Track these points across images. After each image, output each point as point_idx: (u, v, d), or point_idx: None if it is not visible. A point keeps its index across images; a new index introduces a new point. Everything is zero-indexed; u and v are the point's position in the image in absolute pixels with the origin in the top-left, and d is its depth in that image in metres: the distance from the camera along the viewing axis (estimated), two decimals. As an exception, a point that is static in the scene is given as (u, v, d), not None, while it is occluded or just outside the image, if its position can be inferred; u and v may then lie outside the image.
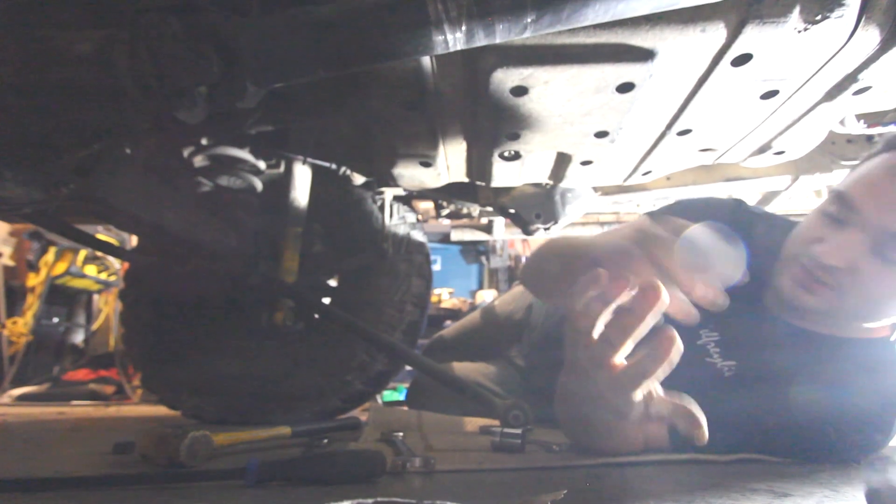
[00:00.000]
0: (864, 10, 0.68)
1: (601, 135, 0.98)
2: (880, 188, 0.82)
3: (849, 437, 0.79)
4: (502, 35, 0.59)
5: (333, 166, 1.41)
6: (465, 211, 2.04)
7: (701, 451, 0.81)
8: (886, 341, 0.89)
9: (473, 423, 1.25)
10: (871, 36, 0.72)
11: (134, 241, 2.33)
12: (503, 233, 2.50)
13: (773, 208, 1.75)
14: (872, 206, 0.81)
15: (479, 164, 1.15)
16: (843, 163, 1.49)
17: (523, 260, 3.42)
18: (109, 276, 3.46)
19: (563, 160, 1.12)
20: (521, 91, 0.82)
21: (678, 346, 0.63)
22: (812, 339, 0.88)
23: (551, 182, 1.28)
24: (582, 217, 1.83)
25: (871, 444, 0.82)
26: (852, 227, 0.82)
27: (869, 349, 0.87)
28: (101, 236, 2.44)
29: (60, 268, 3.19)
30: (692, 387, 0.86)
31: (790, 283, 0.89)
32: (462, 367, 1.55)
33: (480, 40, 0.59)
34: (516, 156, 1.08)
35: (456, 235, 2.59)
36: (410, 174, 1.19)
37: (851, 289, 0.82)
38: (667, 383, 0.87)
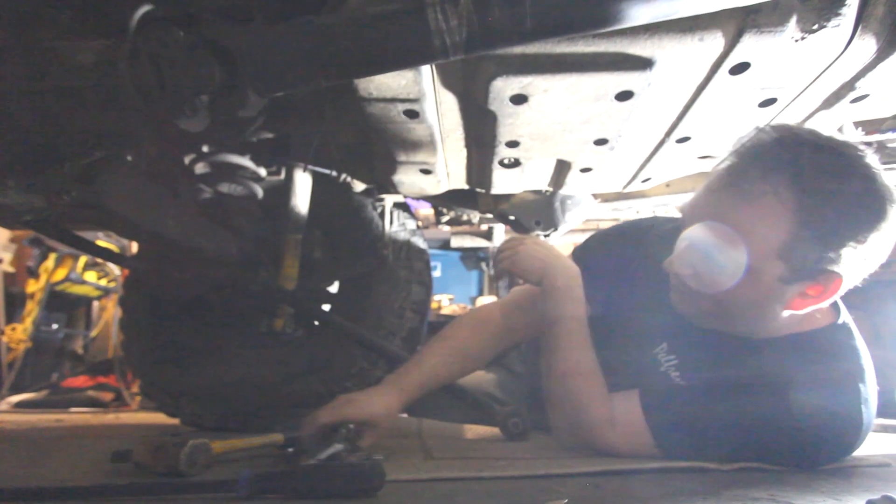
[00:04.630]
0: (861, 20, 0.69)
1: (600, 142, 0.98)
2: (695, 202, 0.86)
3: (801, 432, 0.79)
4: (502, 44, 0.59)
5: (334, 173, 1.41)
6: (465, 217, 2.05)
7: (700, 458, 0.82)
8: (827, 329, 0.88)
9: (474, 430, 1.25)
10: (867, 45, 0.72)
11: (134, 247, 2.33)
12: (503, 239, 2.50)
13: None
14: (689, 218, 0.85)
15: (479, 171, 1.15)
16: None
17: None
18: (109, 282, 3.45)
19: (562, 167, 1.13)
20: (520, 99, 0.83)
21: None
22: (746, 344, 0.89)
23: (551, 189, 1.28)
24: (581, 223, 1.83)
25: (834, 438, 0.82)
26: (687, 239, 0.84)
27: (805, 341, 0.86)
28: (102, 243, 2.45)
29: (60, 274, 3.19)
30: (664, 400, 0.90)
31: (672, 293, 0.92)
32: None
33: (480, 49, 0.60)
34: (516, 163, 1.09)
35: (456, 242, 2.59)
36: (411, 181, 1.19)
37: (700, 292, 0.84)
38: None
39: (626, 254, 1.08)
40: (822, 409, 0.79)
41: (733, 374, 0.86)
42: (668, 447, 0.86)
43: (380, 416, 0.97)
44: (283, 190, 1.39)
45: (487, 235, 2.55)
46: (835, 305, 0.90)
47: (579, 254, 1.15)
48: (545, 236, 1.47)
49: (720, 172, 0.83)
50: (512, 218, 1.49)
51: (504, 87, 0.80)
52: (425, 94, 0.85)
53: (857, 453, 0.87)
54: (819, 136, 0.78)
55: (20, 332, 3.12)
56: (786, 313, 0.83)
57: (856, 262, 0.77)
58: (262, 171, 1.40)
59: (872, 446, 0.89)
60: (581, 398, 0.92)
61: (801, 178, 0.75)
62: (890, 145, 1.45)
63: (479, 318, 1.18)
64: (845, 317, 0.90)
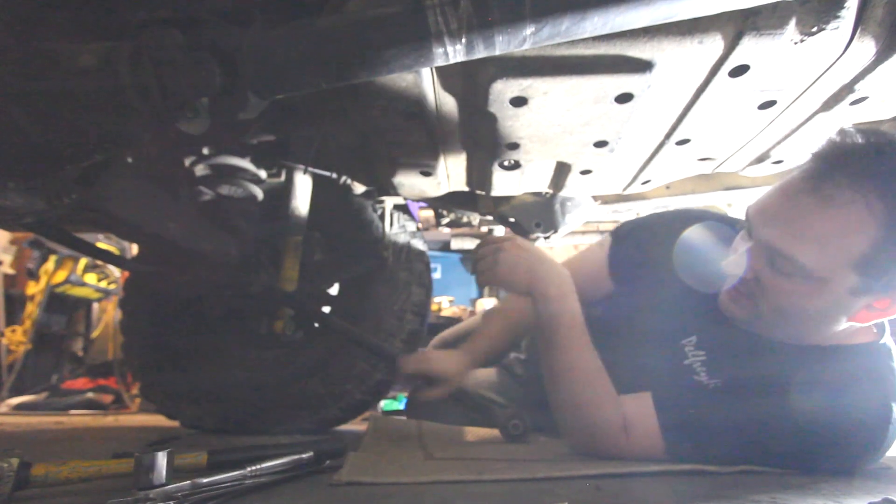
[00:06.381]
0: (860, 22, 0.69)
1: (600, 144, 0.98)
2: (768, 205, 0.85)
3: (831, 444, 0.78)
4: (502, 47, 0.59)
5: (334, 175, 1.41)
6: (465, 220, 2.05)
7: (702, 462, 0.81)
8: (870, 346, 0.87)
9: (474, 431, 1.25)
10: (866, 47, 0.72)
11: (134, 249, 2.34)
12: (478, 243, 2.49)
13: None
14: (760, 221, 0.84)
15: (479, 174, 1.15)
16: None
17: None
18: (109, 284, 3.45)
19: (562, 169, 1.13)
20: (520, 101, 0.83)
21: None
22: (785, 350, 0.88)
23: (551, 191, 1.28)
24: (582, 226, 1.83)
25: (860, 451, 0.81)
26: (754, 240, 0.85)
27: (848, 355, 0.85)
28: (102, 245, 2.45)
29: (60, 276, 3.19)
30: (681, 401, 0.87)
31: (724, 293, 0.91)
32: None
33: (480, 52, 0.60)
34: (516, 165, 1.09)
35: (456, 244, 2.60)
36: (411, 183, 1.19)
37: (761, 298, 0.84)
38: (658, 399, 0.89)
39: (671, 241, 1.05)
40: (850, 422, 0.78)
41: (764, 379, 0.84)
42: (681, 453, 0.84)
43: (452, 373, 1.15)
44: (284, 192, 1.39)
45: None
46: (879, 325, 0.89)
47: (626, 229, 1.14)
48: (545, 238, 1.47)
49: (800, 176, 0.80)
50: (512, 220, 1.49)
51: (504, 89, 0.80)
52: (425, 97, 0.85)
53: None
54: None
55: (20, 334, 3.12)
56: (845, 324, 0.81)
57: None
58: (263, 173, 1.41)
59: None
60: (590, 407, 0.89)
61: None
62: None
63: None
64: (887, 338, 0.88)
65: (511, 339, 1.26)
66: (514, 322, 1.24)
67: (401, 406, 2.54)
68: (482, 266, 1.00)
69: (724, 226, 1.04)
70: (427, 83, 0.81)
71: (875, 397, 0.80)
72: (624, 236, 1.06)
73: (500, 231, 2.44)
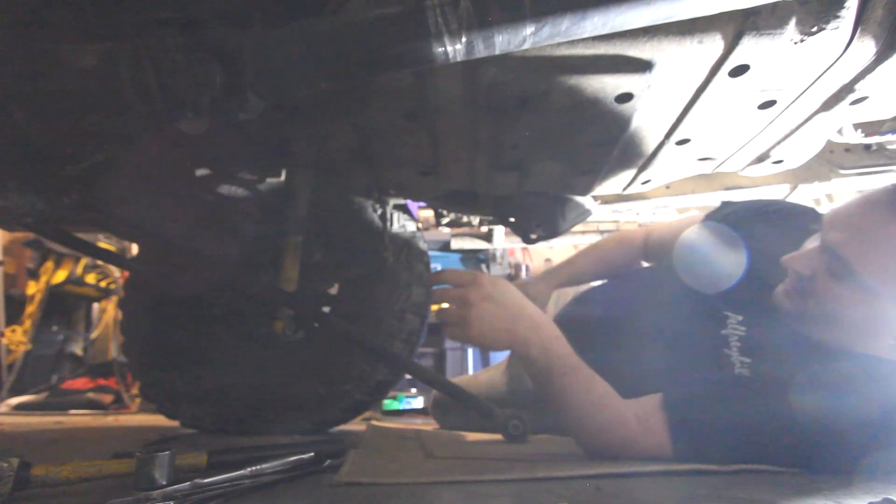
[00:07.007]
0: (860, 22, 0.69)
1: (600, 144, 0.98)
2: (843, 210, 0.86)
3: (842, 450, 0.78)
4: (502, 47, 0.59)
5: (334, 175, 1.41)
6: (465, 219, 2.05)
7: (704, 460, 0.81)
8: None
9: (474, 434, 1.25)
10: (866, 47, 0.73)
11: (134, 249, 2.33)
12: (503, 241, 2.50)
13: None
14: (830, 224, 0.86)
15: (479, 173, 1.15)
16: (842, 171, 1.50)
17: (524, 269, 3.42)
18: (109, 284, 3.45)
19: (563, 169, 1.13)
20: (520, 101, 0.83)
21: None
22: (825, 353, 0.87)
23: (551, 191, 1.28)
24: (582, 225, 1.83)
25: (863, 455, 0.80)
26: (821, 241, 0.86)
27: (879, 366, 0.84)
28: (102, 244, 2.45)
29: (60, 276, 3.19)
30: (701, 371, 0.89)
31: (781, 286, 0.93)
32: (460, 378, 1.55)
33: (480, 52, 0.60)
34: (516, 165, 1.09)
35: (456, 244, 2.59)
36: (411, 183, 1.19)
37: (812, 297, 0.86)
38: (677, 363, 0.93)
39: (754, 229, 1.05)
40: (872, 429, 0.77)
41: (794, 374, 0.83)
42: (689, 453, 0.82)
43: (537, 290, 1.37)
44: (284, 192, 1.39)
45: (488, 237, 2.56)
46: None
47: (725, 210, 1.16)
48: (545, 239, 1.47)
49: (883, 189, 0.82)
50: (512, 220, 1.49)
51: (504, 89, 0.80)
52: (425, 97, 0.85)
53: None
54: None
55: (20, 334, 3.12)
56: (892, 340, 0.82)
57: None
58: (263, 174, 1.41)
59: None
60: (603, 431, 0.86)
61: None
62: (889, 147, 1.46)
63: (624, 238, 1.44)
64: None
65: (594, 273, 1.43)
66: (600, 259, 1.42)
67: (401, 406, 2.54)
68: (450, 319, 0.90)
69: (802, 222, 1.04)
70: (427, 83, 0.82)
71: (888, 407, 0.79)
72: (720, 216, 1.10)
73: (500, 232, 2.44)
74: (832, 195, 1.76)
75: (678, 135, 0.97)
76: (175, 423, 1.51)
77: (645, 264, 1.42)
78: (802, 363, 0.85)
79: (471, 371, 2.99)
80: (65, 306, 3.52)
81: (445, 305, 0.92)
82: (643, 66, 0.75)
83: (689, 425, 0.84)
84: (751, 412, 0.81)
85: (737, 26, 0.69)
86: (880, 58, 0.75)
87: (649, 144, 1.02)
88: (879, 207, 0.80)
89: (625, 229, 2.06)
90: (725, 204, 1.22)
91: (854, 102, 0.87)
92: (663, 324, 1.00)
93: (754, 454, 0.81)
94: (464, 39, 0.58)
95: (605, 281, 1.47)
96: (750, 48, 0.71)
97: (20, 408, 2.71)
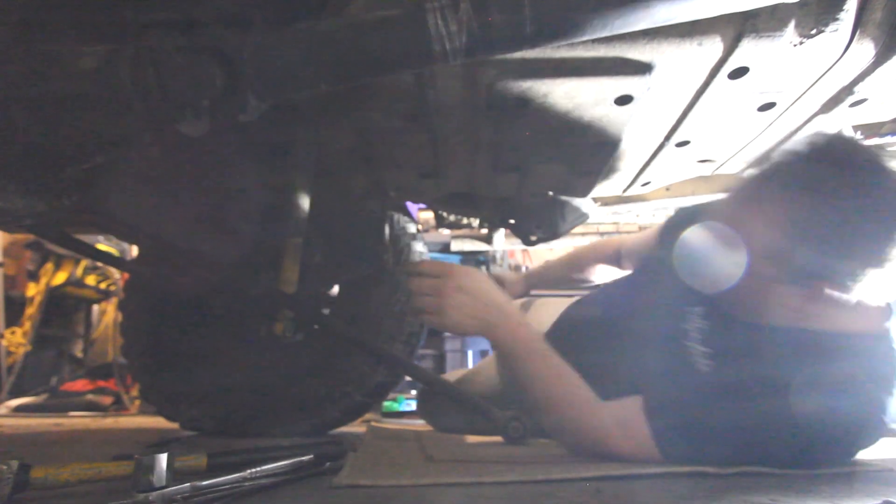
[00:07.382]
0: (859, 25, 0.69)
1: (601, 146, 0.98)
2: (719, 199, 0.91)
3: (815, 434, 0.78)
4: (502, 49, 0.59)
5: (334, 177, 1.41)
6: (465, 221, 2.05)
7: (700, 462, 0.81)
8: (875, 336, 0.86)
9: (474, 436, 1.25)
10: (865, 49, 0.73)
11: (134, 251, 2.33)
12: (503, 243, 2.49)
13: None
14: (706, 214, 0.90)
15: (479, 175, 1.16)
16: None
17: (523, 269, 3.43)
18: (109, 286, 3.45)
19: (563, 171, 1.13)
20: (520, 103, 0.83)
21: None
22: (777, 334, 0.87)
23: (551, 193, 1.28)
24: (582, 227, 1.83)
25: (843, 445, 0.82)
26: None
27: (840, 342, 0.84)
28: (102, 246, 2.45)
29: (60, 278, 3.19)
30: (668, 365, 0.91)
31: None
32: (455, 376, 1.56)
33: (480, 54, 0.60)
34: (516, 167, 1.09)
35: (456, 245, 2.59)
36: (411, 185, 1.19)
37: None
38: (648, 361, 0.95)
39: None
40: (837, 412, 0.77)
41: (753, 362, 0.85)
42: (674, 453, 0.83)
43: (511, 285, 1.52)
44: (284, 193, 1.39)
45: (488, 239, 2.55)
46: (884, 310, 0.88)
47: (681, 214, 1.22)
48: (545, 240, 1.47)
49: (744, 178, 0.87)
50: (512, 222, 1.49)
51: (504, 91, 0.80)
52: (425, 98, 0.85)
53: (859, 456, 0.86)
54: (850, 149, 0.80)
55: (20, 336, 3.12)
56: (792, 307, 0.84)
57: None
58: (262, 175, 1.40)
59: (874, 450, 0.89)
60: (577, 421, 0.89)
61: (816, 192, 0.76)
62: (889, 149, 1.46)
63: (598, 246, 1.52)
64: (891, 324, 0.88)
65: (564, 276, 1.53)
66: (571, 264, 1.52)
67: (400, 407, 2.54)
68: (423, 305, 0.94)
69: None
70: (427, 85, 0.82)
71: (865, 388, 0.80)
72: (674, 223, 1.13)
73: (499, 234, 2.44)
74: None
75: (678, 137, 0.97)
76: (175, 425, 1.51)
77: (620, 272, 1.45)
78: (750, 346, 0.87)
79: (471, 373, 2.98)
80: (65, 308, 3.51)
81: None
82: (643, 68, 0.75)
83: (673, 431, 0.84)
84: (726, 412, 0.82)
85: (736, 29, 0.69)
86: (879, 60, 0.75)
87: (649, 146, 1.02)
88: (738, 194, 0.85)
89: (600, 240, 2.10)
90: (679, 210, 1.28)
91: (853, 104, 0.87)
92: (639, 325, 1.02)
93: (741, 452, 0.81)
94: (464, 41, 0.58)
95: (591, 291, 1.49)
96: (749, 50, 0.71)
97: (20, 410, 2.71)
